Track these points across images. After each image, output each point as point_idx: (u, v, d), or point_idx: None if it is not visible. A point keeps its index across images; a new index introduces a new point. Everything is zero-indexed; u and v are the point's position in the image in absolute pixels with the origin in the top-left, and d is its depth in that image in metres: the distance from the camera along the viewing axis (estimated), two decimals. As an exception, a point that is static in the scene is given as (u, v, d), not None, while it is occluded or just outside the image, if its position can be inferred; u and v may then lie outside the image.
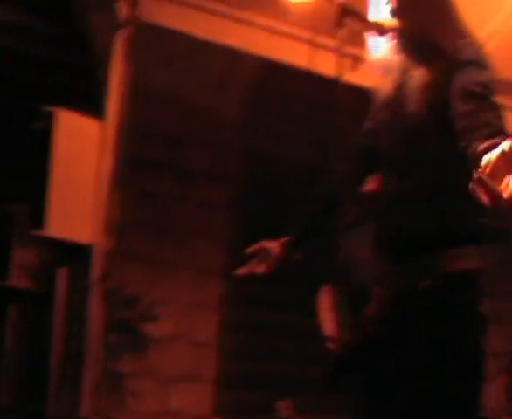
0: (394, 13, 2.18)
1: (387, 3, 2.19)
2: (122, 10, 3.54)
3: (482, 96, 2.00)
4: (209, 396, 4.95)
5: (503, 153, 1.54)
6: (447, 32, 2.14)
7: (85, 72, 4.15)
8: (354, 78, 2.65)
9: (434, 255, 2.06)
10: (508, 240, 2.25)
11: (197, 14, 3.72)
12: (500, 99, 2.03)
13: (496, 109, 1.99)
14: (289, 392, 4.83)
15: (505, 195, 1.52)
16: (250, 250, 2.48)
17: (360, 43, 3.74)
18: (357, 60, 3.55)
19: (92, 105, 3.71)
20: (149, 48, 3.80)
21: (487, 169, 1.57)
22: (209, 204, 5.07)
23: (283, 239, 2.48)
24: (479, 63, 2.08)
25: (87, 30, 3.98)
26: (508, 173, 1.53)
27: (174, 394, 4.82)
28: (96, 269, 3.63)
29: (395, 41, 2.19)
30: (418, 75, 2.14)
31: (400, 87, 2.20)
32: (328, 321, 3.02)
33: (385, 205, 2.22)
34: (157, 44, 3.95)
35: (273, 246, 2.48)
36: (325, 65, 2.32)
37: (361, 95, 2.31)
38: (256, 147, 5.21)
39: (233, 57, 3.93)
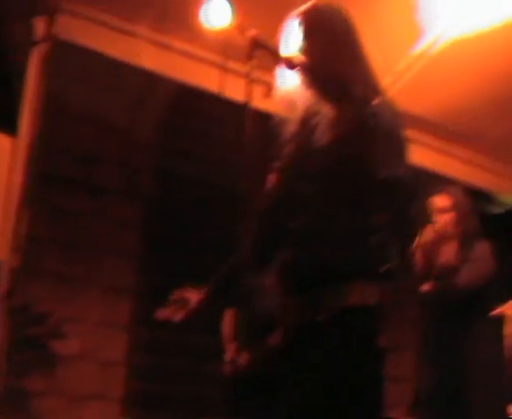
0: (303, 49, 2.24)
1: (297, 40, 2.26)
2: (39, 27, 3.55)
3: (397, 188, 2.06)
4: (116, 415, 4.93)
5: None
6: (356, 75, 2.18)
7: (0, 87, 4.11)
8: (264, 104, 2.75)
9: (332, 289, 2.08)
10: (402, 276, 2.34)
11: (114, 34, 3.76)
12: (407, 133, 2.15)
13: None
14: (196, 413, 4.87)
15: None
16: (173, 297, 2.60)
17: (271, 71, 3.88)
18: (269, 88, 3.66)
19: (6, 120, 3.69)
20: (65, 66, 3.81)
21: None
22: (120, 222, 5.07)
23: (203, 290, 2.56)
24: (394, 134, 2.12)
25: (3, 45, 3.95)
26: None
27: (81, 413, 4.77)
28: (1, 286, 3.59)
29: (303, 77, 2.23)
30: (325, 113, 2.18)
31: (306, 123, 2.24)
32: (228, 346, 3.10)
33: (287, 238, 2.23)
34: (73, 62, 3.97)
35: (192, 297, 2.59)
36: (236, 90, 2.40)
37: (269, 121, 2.39)
38: (169, 168, 5.26)
39: (149, 78, 3.99)
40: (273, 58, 2.26)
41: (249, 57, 2.19)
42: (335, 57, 2.22)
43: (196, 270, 5.26)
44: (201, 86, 3.89)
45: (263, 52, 2.23)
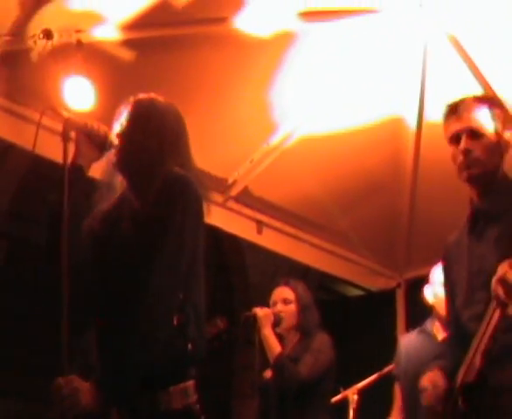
0: (119, 134, 2.26)
1: (121, 123, 2.28)
2: None
3: None
4: None
5: None
6: (167, 163, 2.18)
7: None
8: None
9: (152, 395, 2.07)
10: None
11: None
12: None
13: None
14: None
15: None
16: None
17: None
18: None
19: None
20: None
21: None
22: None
23: None
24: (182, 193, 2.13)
25: None
26: None
27: None
28: None
29: (116, 159, 2.25)
30: (132, 198, 2.21)
31: (118, 207, 2.25)
32: None
33: (101, 342, 2.19)
34: None
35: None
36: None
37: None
38: (17, 235, 5.13)
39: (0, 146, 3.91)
40: (86, 137, 2.26)
41: (64, 138, 2.19)
42: (150, 147, 2.21)
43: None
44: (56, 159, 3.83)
45: (78, 133, 2.25)
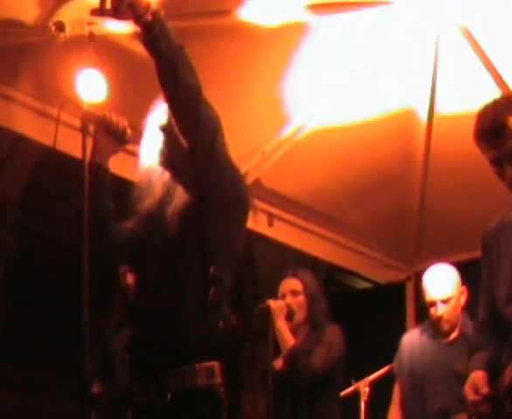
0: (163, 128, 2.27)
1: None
2: None
3: None
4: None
5: None
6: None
7: None
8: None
9: (176, 371, 2.11)
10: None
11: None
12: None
13: None
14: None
15: None
16: None
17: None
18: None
19: None
20: None
21: None
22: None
23: None
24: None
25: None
26: None
27: None
28: None
29: (160, 159, 2.27)
30: (177, 195, 2.24)
31: (162, 203, 2.28)
32: None
33: (132, 318, 2.27)
34: None
35: None
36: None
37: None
38: (29, 228, 5.13)
39: (12, 139, 3.91)
40: (105, 129, 2.28)
41: (83, 131, 2.20)
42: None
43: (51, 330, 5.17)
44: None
45: (97, 126, 2.28)
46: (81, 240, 2.14)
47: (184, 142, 2.18)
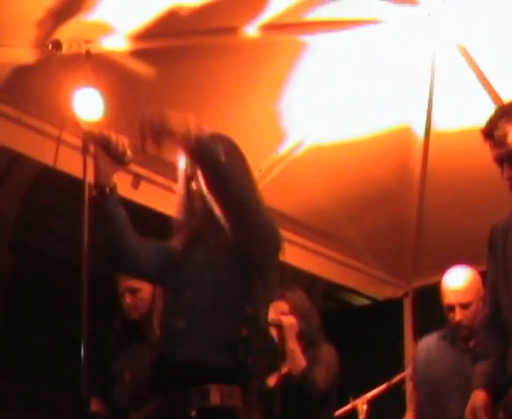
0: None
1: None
2: None
3: None
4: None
5: None
6: None
7: None
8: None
9: (199, 388, 2.16)
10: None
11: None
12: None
13: None
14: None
15: None
16: None
17: (142, 162, 3.91)
18: (138, 179, 3.70)
19: None
20: None
21: None
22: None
23: None
24: None
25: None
26: None
27: None
28: None
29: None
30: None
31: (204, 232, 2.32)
32: None
33: (160, 334, 2.34)
34: None
35: None
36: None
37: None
38: (27, 245, 5.13)
39: (9, 156, 3.92)
40: (105, 149, 2.27)
41: (84, 151, 2.19)
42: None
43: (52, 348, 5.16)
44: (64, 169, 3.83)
45: (99, 148, 2.27)
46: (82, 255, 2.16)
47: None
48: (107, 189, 2.27)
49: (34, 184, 4.81)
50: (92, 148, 2.26)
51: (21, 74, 3.44)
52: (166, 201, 3.08)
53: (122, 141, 2.27)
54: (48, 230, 5.24)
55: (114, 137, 2.26)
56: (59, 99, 3.39)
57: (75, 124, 2.29)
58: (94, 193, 2.25)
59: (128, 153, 2.27)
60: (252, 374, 2.25)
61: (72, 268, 5.10)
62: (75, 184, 3.91)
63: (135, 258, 2.36)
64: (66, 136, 3.46)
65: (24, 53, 3.31)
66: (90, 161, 2.26)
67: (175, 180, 2.43)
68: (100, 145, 2.25)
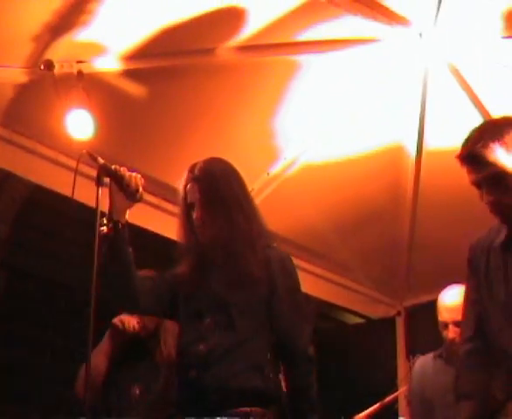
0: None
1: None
2: None
3: None
4: None
5: None
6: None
7: None
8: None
9: (235, 412, 2.21)
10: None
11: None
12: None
13: None
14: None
15: None
16: None
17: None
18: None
19: None
20: None
21: None
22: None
23: None
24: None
25: None
26: None
27: None
28: None
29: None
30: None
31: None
32: None
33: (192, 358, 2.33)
34: None
35: None
36: (87, 193, 2.40)
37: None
38: (17, 264, 5.10)
39: (1, 174, 3.91)
40: (118, 185, 2.30)
41: (98, 182, 2.22)
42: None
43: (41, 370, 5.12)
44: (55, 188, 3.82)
45: (111, 180, 2.30)
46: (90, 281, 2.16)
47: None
48: (120, 225, 2.31)
49: (26, 203, 4.79)
50: (106, 180, 2.29)
51: (12, 94, 3.44)
52: (169, 225, 3.09)
53: (135, 179, 2.31)
54: (40, 250, 5.21)
55: (126, 174, 2.31)
56: (51, 118, 3.40)
57: (91, 156, 2.30)
58: (107, 227, 2.29)
59: (141, 190, 2.30)
60: (282, 395, 2.31)
61: (65, 288, 5.11)
62: (67, 204, 3.92)
63: (137, 297, 2.41)
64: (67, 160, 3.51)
65: (15, 73, 3.32)
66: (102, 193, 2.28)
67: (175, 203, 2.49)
68: (113, 180, 2.28)
